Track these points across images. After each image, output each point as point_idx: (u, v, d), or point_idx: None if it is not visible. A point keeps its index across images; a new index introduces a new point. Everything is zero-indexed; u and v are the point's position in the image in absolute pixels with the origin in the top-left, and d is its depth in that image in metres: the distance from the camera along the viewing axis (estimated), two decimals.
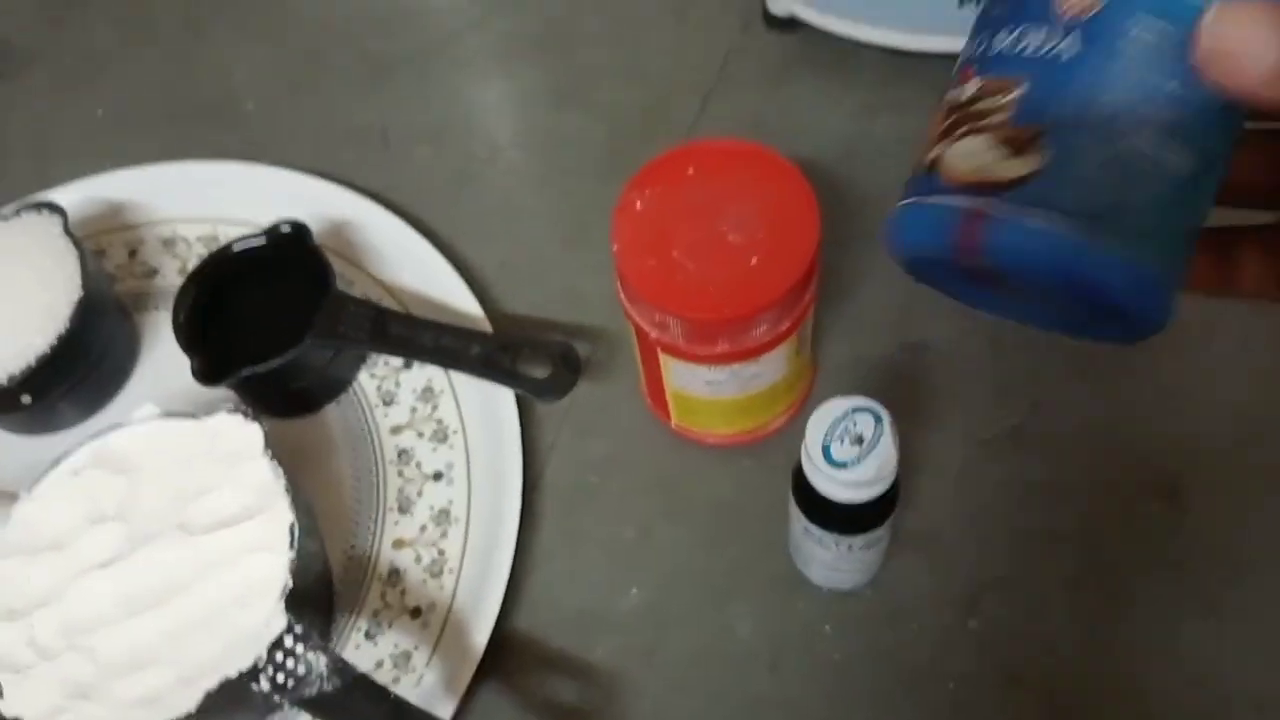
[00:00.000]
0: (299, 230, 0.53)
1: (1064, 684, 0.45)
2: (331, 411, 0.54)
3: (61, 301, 0.51)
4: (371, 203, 0.59)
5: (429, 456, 0.52)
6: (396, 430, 0.53)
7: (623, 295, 0.46)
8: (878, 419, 0.40)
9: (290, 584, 0.41)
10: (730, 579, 0.49)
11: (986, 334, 0.53)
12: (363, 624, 0.48)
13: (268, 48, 0.69)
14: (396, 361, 0.55)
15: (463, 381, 0.53)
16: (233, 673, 0.39)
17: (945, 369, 0.52)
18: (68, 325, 0.50)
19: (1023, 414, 0.51)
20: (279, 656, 0.40)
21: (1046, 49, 0.23)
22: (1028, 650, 0.46)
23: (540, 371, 0.49)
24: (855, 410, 0.40)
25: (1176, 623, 0.46)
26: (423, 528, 0.50)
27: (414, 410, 0.53)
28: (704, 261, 0.43)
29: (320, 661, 0.40)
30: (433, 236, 0.58)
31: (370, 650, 0.47)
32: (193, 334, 0.51)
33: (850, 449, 0.39)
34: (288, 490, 0.44)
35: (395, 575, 0.49)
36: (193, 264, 0.54)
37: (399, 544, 0.50)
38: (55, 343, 0.50)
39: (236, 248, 0.54)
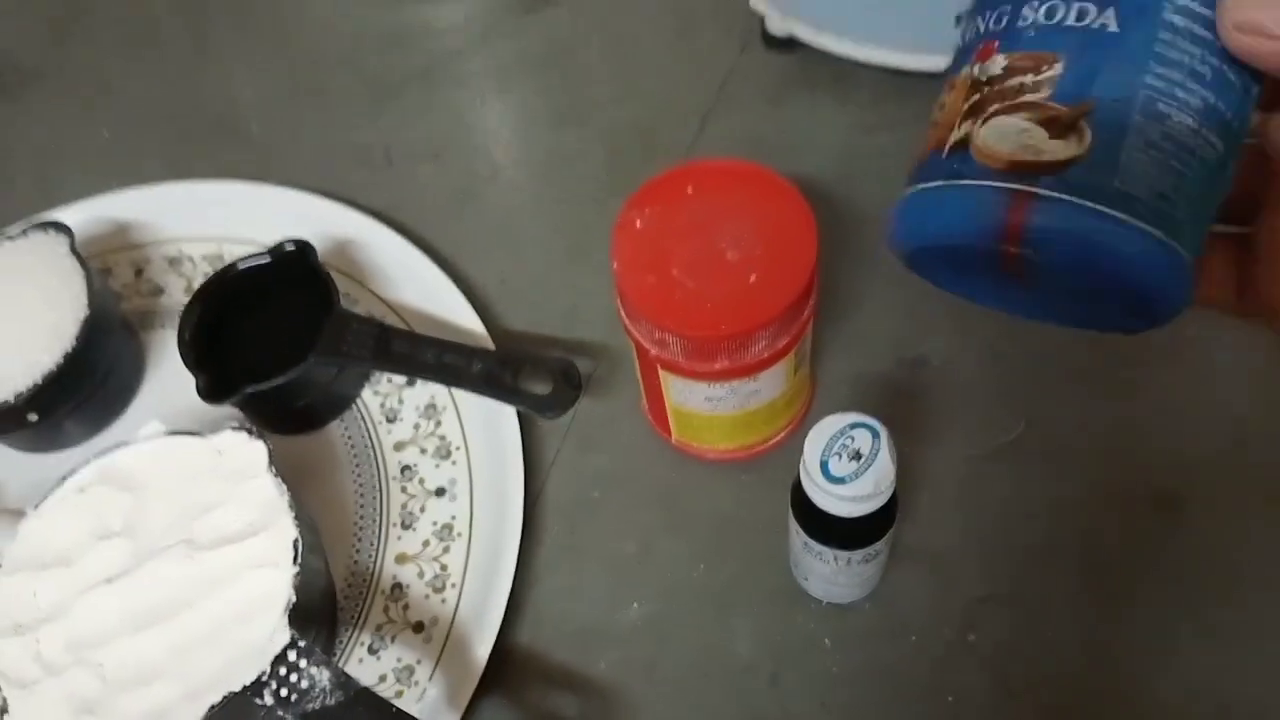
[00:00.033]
0: (303, 249, 0.54)
1: (1063, 697, 0.46)
2: (335, 428, 0.55)
3: (68, 320, 0.51)
4: (375, 221, 0.60)
5: (432, 472, 0.52)
6: (399, 446, 0.53)
7: (623, 312, 0.46)
8: (875, 434, 0.40)
9: (294, 599, 0.42)
10: (730, 593, 0.49)
11: (984, 348, 0.53)
12: (366, 638, 0.49)
13: (273, 69, 0.70)
14: (400, 378, 0.55)
15: (465, 398, 0.53)
16: (237, 687, 0.40)
17: (943, 384, 0.53)
18: (74, 344, 0.51)
19: (1020, 427, 0.51)
20: (282, 671, 0.40)
21: (1084, 24, 0.22)
22: (1027, 663, 0.46)
23: (542, 388, 0.50)
24: (853, 426, 0.40)
25: (1176, 634, 0.46)
26: (425, 543, 0.51)
27: (417, 427, 0.54)
28: (703, 279, 0.44)
29: (323, 676, 0.40)
30: (435, 254, 0.58)
31: (373, 665, 0.48)
32: (198, 352, 0.52)
33: (848, 464, 0.40)
34: (291, 506, 0.44)
35: (398, 590, 0.50)
36: (198, 283, 0.54)
37: (402, 559, 0.50)
38: (62, 361, 0.51)
39: (241, 266, 0.54)
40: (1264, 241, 0.25)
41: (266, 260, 0.54)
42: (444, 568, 0.50)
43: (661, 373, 0.47)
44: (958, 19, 0.26)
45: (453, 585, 0.49)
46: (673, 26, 0.68)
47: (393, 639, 0.48)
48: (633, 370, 0.50)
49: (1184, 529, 0.48)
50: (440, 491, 0.52)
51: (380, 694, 0.41)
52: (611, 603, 0.49)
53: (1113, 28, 0.22)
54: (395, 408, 0.55)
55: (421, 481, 0.52)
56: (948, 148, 0.23)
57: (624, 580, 0.50)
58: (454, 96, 0.67)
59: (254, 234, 0.59)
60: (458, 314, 0.56)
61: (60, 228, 0.54)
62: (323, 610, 0.47)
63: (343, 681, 0.40)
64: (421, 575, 0.50)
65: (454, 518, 0.51)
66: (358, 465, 0.53)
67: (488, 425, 0.53)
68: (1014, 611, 0.47)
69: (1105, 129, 0.22)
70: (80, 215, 0.60)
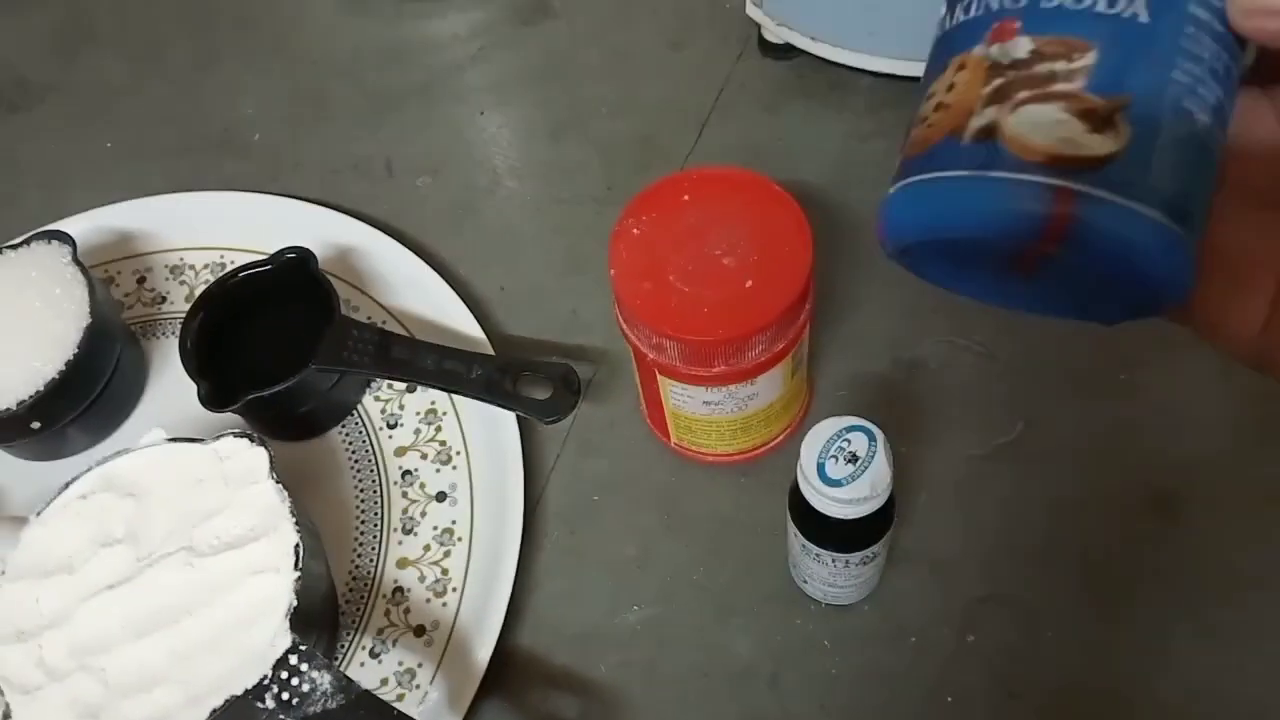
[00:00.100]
0: (304, 256, 0.54)
1: (1062, 697, 0.46)
2: (336, 434, 0.55)
3: (71, 328, 0.52)
4: (375, 230, 0.60)
5: (432, 477, 0.53)
6: (400, 452, 0.54)
7: (620, 318, 0.47)
8: (871, 437, 0.40)
9: (295, 604, 0.42)
10: (730, 595, 0.49)
11: (981, 349, 0.54)
12: (367, 642, 0.49)
13: (274, 83, 0.71)
14: (400, 384, 0.55)
15: (466, 403, 0.54)
16: (239, 691, 0.40)
17: (940, 385, 0.53)
18: (76, 352, 0.51)
19: (1017, 429, 0.52)
20: (284, 675, 0.40)
21: (1115, 11, 0.21)
22: (1026, 664, 0.46)
23: (541, 393, 0.50)
24: (849, 429, 0.41)
25: (1174, 635, 0.46)
26: (426, 547, 0.51)
27: (418, 432, 0.54)
28: (700, 285, 0.44)
29: (325, 679, 0.40)
30: (435, 262, 0.59)
31: (375, 668, 0.48)
32: (200, 359, 0.52)
33: (845, 467, 0.40)
34: (293, 512, 0.45)
35: (399, 594, 0.50)
36: (199, 291, 0.55)
37: (403, 563, 0.51)
38: (64, 369, 0.51)
39: (242, 274, 0.55)
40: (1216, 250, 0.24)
41: (267, 268, 0.54)
42: (445, 572, 0.50)
43: (660, 377, 0.47)
44: None
45: (454, 589, 0.49)
46: (670, 36, 0.68)
47: (394, 642, 0.49)
48: (631, 375, 0.51)
49: (1182, 529, 0.48)
50: (441, 496, 0.52)
51: (382, 697, 0.41)
52: (612, 605, 0.49)
53: (1144, 18, 0.21)
54: (396, 413, 0.55)
55: (422, 486, 0.53)
56: (969, 134, 0.22)
57: (624, 583, 0.50)
58: (454, 109, 0.68)
59: (256, 243, 0.59)
60: (458, 320, 0.56)
61: (62, 237, 0.55)
62: (324, 614, 0.47)
63: (344, 685, 0.40)
64: (422, 579, 0.50)
65: (455, 522, 0.51)
66: (358, 470, 0.54)
67: (488, 430, 0.53)
68: (1013, 612, 0.47)
69: (1140, 125, 0.21)
70: (84, 225, 0.61)
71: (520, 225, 0.63)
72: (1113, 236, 0.21)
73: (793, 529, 0.44)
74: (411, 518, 0.52)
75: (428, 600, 0.49)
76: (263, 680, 0.40)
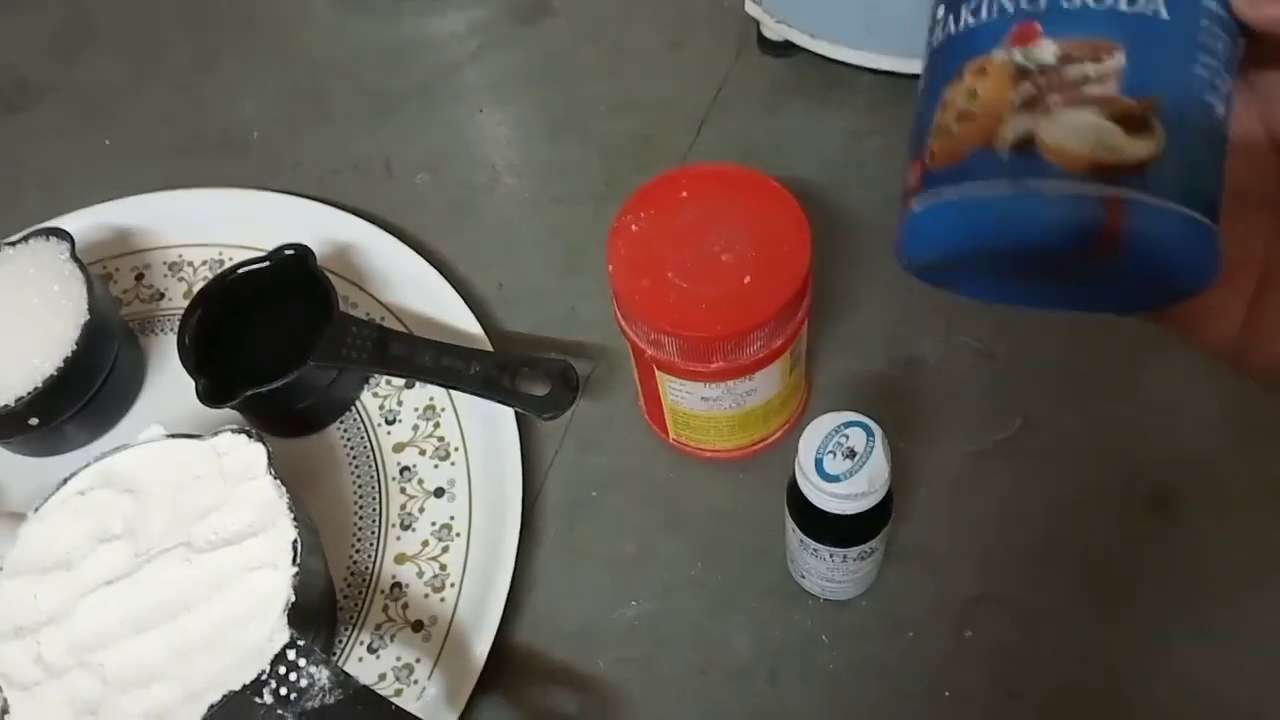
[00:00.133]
0: (302, 253, 0.54)
1: (1060, 694, 0.46)
2: (334, 430, 0.55)
3: (69, 325, 0.52)
4: (374, 227, 0.60)
5: (431, 473, 0.53)
6: (399, 448, 0.54)
7: (619, 314, 0.47)
8: (869, 433, 0.40)
9: (293, 599, 0.42)
10: (728, 591, 0.49)
11: (978, 348, 0.54)
12: (365, 638, 0.49)
13: (273, 82, 0.71)
14: (399, 380, 0.55)
15: (464, 399, 0.54)
16: (237, 686, 0.40)
17: (938, 382, 0.53)
18: (75, 348, 0.51)
19: (1015, 426, 0.52)
20: (282, 670, 0.40)
21: (1136, 9, 0.21)
22: (1024, 660, 0.46)
23: (539, 389, 0.50)
24: (847, 425, 0.41)
25: (1171, 633, 0.46)
26: (424, 543, 0.51)
27: (416, 428, 0.54)
28: (698, 281, 0.44)
29: (323, 675, 0.40)
30: (434, 260, 0.59)
31: (373, 663, 0.48)
32: (198, 356, 0.52)
33: (843, 463, 0.40)
34: (291, 508, 0.45)
35: (397, 590, 0.50)
36: (198, 288, 0.55)
37: (401, 559, 0.51)
38: (63, 365, 0.51)
39: (241, 271, 0.55)
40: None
41: (266, 265, 0.54)
42: (443, 567, 0.50)
43: (658, 374, 0.47)
44: None
45: (452, 585, 0.49)
46: (669, 34, 0.68)
47: (392, 638, 0.49)
48: (630, 371, 0.51)
49: (1180, 528, 0.49)
50: (439, 492, 0.52)
51: (379, 692, 0.41)
52: (610, 601, 0.49)
53: (1164, 15, 0.21)
54: (394, 409, 0.55)
55: (420, 482, 0.53)
56: (1005, 145, 0.21)
57: (622, 579, 0.50)
58: (453, 108, 0.68)
59: (254, 240, 0.59)
60: (456, 317, 0.56)
61: (61, 234, 0.55)
62: (322, 610, 0.47)
63: (342, 680, 0.40)
64: (421, 575, 0.50)
65: (453, 518, 0.51)
66: (357, 466, 0.54)
67: (486, 426, 0.53)
68: (1010, 609, 0.47)
69: (1172, 124, 0.21)
70: (82, 222, 0.61)
71: (519, 223, 0.63)
72: (1161, 241, 0.21)
73: (791, 524, 0.44)
74: (410, 513, 0.52)
75: (426, 596, 0.49)
76: (261, 676, 0.40)
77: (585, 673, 0.48)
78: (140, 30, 0.75)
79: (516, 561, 0.49)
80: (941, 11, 0.24)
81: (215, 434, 0.47)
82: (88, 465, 0.47)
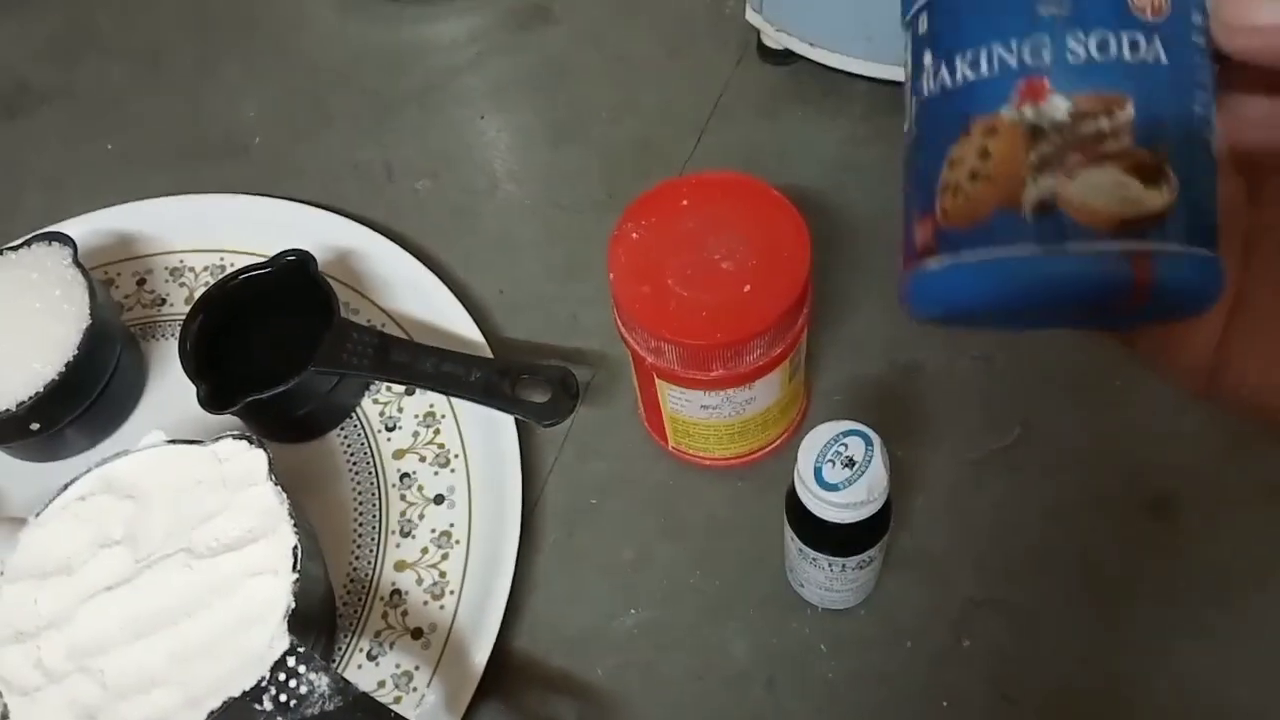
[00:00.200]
0: (303, 259, 0.54)
1: (1059, 701, 0.46)
2: (335, 436, 0.55)
3: (70, 330, 0.52)
4: (374, 233, 0.60)
5: (431, 480, 0.53)
6: (399, 454, 0.54)
7: (619, 322, 0.47)
8: (868, 442, 0.40)
9: (293, 606, 0.42)
10: (727, 599, 0.49)
11: (977, 355, 0.54)
12: (365, 644, 0.49)
13: (275, 87, 0.71)
14: (399, 387, 0.56)
15: (464, 406, 0.54)
16: (236, 693, 0.40)
17: (937, 390, 0.53)
18: (76, 353, 0.51)
19: (1014, 433, 0.52)
20: (282, 677, 0.41)
21: (1139, 58, 0.21)
22: (1023, 668, 0.46)
23: (539, 396, 0.50)
24: (846, 434, 0.41)
25: (1170, 639, 0.46)
26: (424, 550, 0.51)
27: (416, 435, 0.54)
28: (698, 289, 0.44)
29: (322, 681, 0.40)
30: (435, 266, 0.59)
31: (372, 670, 0.48)
32: (199, 361, 0.52)
33: (841, 471, 0.40)
34: (291, 514, 0.45)
35: (397, 596, 0.50)
36: (199, 293, 0.55)
37: (401, 566, 0.51)
38: (64, 370, 0.51)
39: (242, 277, 0.55)
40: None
41: (267, 270, 0.54)
42: (443, 574, 0.50)
43: (658, 381, 0.47)
44: (906, 23, 0.24)
45: (451, 592, 0.49)
46: (669, 41, 0.69)
47: (391, 645, 0.49)
48: (630, 379, 0.51)
49: (1179, 532, 0.49)
50: (439, 499, 0.52)
51: (379, 699, 0.41)
52: (609, 609, 0.50)
53: (1164, 60, 0.21)
54: (394, 416, 0.55)
55: (420, 489, 0.53)
56: (1028, 207, 0.21)
57: (621, 586, 0.50)
58: (453, 113, 0.68)
59: (256, 246, 0.59)
60: (457, 323, 0.56)
61: (63, 239, 0.55)
62: (322, 617, 0.48)
63: (341, 687, 0.41)
64: (420, 582, 0.50)
65: (453, 525, 0.51)
66: (357, 473, 0.54)
67: (486, 433, 0.53)
68: (1009, 616, 0.47)
69: (1182, 169, 0.21)
70: (84, 228, 0.61)
71: (519, 229, 0.63)
72: (1185, 285, 0.21)
73: (789, 533, 0.44)
74: (410, 520, 0.52)
75: (425, 603, 0.49)
76: (260, 682, 0.40)
77: (584, 679, 0.48)
78: (142, 34, 0.75)
79: (516, 568, 0.49)
80: (929, 59, 0.23)
81: (216, 440, 0.47)
82: (89, 470, 0.47)
